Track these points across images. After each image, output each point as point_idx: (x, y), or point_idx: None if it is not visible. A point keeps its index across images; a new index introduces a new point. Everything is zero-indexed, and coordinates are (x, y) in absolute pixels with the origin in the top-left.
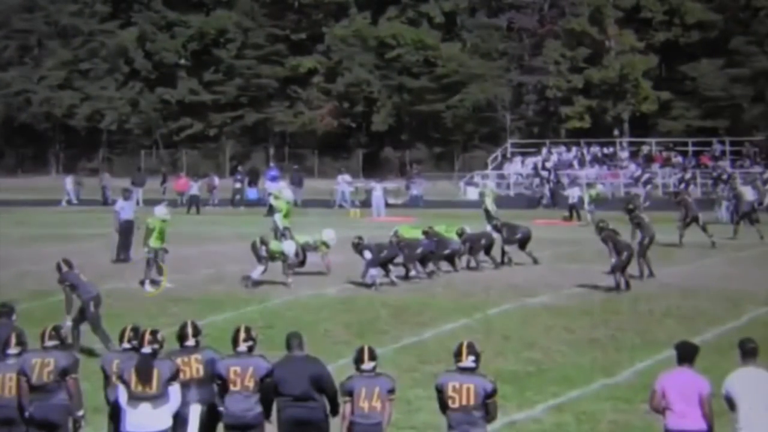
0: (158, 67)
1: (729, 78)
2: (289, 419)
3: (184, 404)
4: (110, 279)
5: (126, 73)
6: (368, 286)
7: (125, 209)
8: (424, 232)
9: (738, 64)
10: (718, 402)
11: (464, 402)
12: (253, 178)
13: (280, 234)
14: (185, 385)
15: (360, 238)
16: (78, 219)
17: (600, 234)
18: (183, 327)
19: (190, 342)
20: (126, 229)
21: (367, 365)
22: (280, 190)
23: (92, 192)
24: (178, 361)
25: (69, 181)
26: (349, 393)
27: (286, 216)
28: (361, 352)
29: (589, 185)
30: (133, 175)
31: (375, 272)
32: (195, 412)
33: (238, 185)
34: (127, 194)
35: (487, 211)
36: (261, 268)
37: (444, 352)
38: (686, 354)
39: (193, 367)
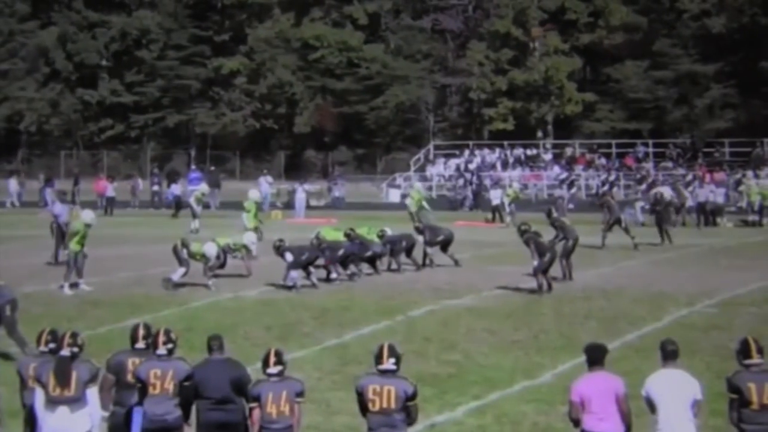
0: (79, 68)
1: (653, 80)
2: (208, 422)
3: (127, 406)
4: (29, 282)
5: (46, 73)
6: (289, 288)
7: (63, 212)
8: (346, 235)
9: (662, 67)
10: (637, 403)
11: (385, 405)
12: (172, 180)
13: (246, 230)
14: (131, 387)
15: (281, 240)
16: (14, 220)
17: (522, 236)
18: (135, 329)
19: (140, 344)
20: (63, 232)
21: (273, 369)
22: (199, 191)
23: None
24: (129, 362)
25: (13, 183)
26: (256, 398)
27: (255, 216)
28: (267, 355)
29: (508, 186)
30: (46, 176)
31: (296, 274)
32: (138, 415)
33: (156, 188)
34: (63, 197)
35: (411, 214)
36: (182, 270)
37: (365, 354)
38: (596, 356)
39: None
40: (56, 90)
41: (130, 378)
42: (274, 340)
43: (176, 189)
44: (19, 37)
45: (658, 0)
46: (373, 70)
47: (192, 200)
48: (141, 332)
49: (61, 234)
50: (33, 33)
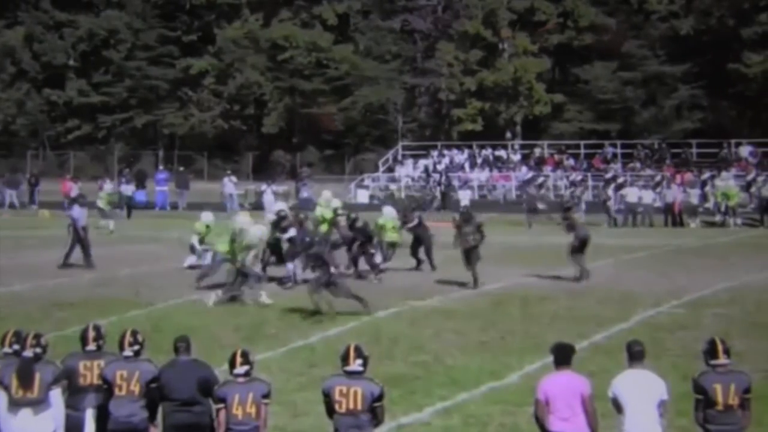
0: (46, 68)
1: (621, 81)
2: (175, 424)
3: (80, 409)
4: None
5: (12, 73)
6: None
7: (81, 216)
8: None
9: (630, 68)
10: (604, 404)
11: (351, 406)
12: (140, 181)
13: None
14: (83, 390)
15: (284, 211)
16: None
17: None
18: (85, 331)
19: (91, 346)
20: (80, 236)
21: (240, 369)
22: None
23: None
24: (81, 365)
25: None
26: (222, 400)
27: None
28: (233, 355)
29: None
30: (7, 177)
31: (291, 266)
32: (90, 417)
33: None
34: (83, 201)
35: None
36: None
37: (332, 355)
38: (563, 356)
39: (95, 372)
40: (23, 90)
41: (81, 381)
42: (241, 341)
43: (127, 190)
44: None
45: (627, 1)
46: (342, 71)
47: (99, 203)
48: (91, 334)
49: (77, 237)
50: None
